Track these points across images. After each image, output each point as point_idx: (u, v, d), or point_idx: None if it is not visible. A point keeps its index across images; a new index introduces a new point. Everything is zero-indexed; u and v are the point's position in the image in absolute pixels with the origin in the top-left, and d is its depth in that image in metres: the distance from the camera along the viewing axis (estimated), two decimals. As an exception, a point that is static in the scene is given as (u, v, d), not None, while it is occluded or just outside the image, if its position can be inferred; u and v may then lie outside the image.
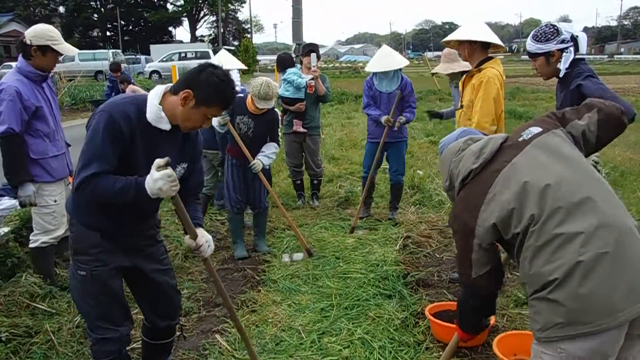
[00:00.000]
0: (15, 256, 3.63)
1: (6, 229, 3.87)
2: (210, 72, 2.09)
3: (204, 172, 2.70)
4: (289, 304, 3.59)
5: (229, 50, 12.64)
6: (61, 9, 50.32)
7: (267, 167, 4.48)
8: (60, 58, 3.56)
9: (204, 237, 2.22)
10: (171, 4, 53.41)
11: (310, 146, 5.83)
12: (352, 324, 3.29)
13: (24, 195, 3.30)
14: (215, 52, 29.31)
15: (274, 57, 15.29)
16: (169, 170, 1.94)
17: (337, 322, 3.32)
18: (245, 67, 6.44)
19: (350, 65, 42.06)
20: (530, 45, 2.93)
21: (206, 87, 2.07)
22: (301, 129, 5.70)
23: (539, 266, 1.69)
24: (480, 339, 2.98)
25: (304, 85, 5.54)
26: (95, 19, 51.26)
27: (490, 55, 3.52)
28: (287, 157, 6.00)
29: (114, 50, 30.96)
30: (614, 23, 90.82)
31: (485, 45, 3.48)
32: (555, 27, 2.85)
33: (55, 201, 3.47)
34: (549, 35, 2.85)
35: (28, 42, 3.27)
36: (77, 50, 3.76)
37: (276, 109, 4.55)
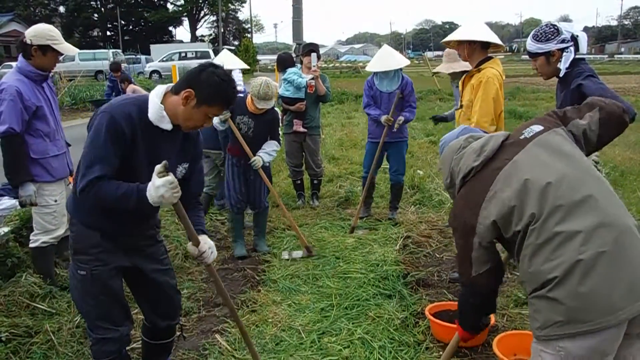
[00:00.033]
0: (15, 256, 3.63)
1: (6, 229, 3.87)
2: (211, 72, 2.09)
3: (204, 172, 2.70)
4: (289, 304, 3.60)
5: (229, 50, 12.63)
6: (61, 9, 50.39)
7: (267, 164, 4.48)
8: (61, 58, 3.56)
9: (207, 244, 2.22)
10: (171, 3, 53.49)
11: (311, 146, 5.83)
12: (352, 323, 3.29)
13: (24, 195, 3.30)
14: (215, 51, 29.40)
15: (274, 57, 15.29)
16: (170, 177, 1.94)
17: (337, 322, 3.32)
18: (248, 67, 6.44)
19: (351, 65, 42.03)
20: (531, 45, 2.93)
21: (207, 86, 2.07)
22: (301, 129, 5.70)
23: (538, 264, 1.70)
24: (480, 339, 2.98)
25: (304, 85, 5.54)
26: (96, 18, 51.27)
27: (490, 55, 3.52)
28: (287, 157, 6.00)
29: (114, 50, 30.95)
30: (614, 23, 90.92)
31: (485, 45, 3.48)
32: (556, 27, 2.85)
33: (55, 201, 3.47)
34: (549, 35, 2.85)
35: (28, 41, 3.27)
36: (77, 50, 3.76)
37: (276, 109, 4.55)
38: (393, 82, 5.04)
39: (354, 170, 7.33)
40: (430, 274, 4.03)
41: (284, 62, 5.85)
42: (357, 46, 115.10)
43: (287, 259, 4.43)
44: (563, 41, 2.83)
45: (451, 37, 3.53)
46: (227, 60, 5.53)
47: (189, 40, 50.16)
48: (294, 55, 8.54)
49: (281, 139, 4.65)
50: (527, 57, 3.32)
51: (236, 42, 50.06)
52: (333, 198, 6.19)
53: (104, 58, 26.57)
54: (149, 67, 29.44)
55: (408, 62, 5.39)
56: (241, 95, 4.25)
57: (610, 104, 1.94)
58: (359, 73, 30.67)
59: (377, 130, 5.10)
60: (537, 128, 1.89)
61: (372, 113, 5.10)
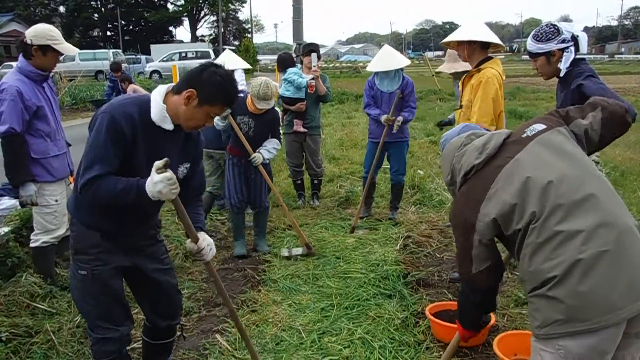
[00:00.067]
0: (15, 256, 3.63)
1: (6, 229, 3.87)
2: (213, 71, 2.09)
3: (205, 172, 2.70)
4: (289, 304, 3.60)
5: (231, 50, 12.63)
6: (61, 9, 50.37)
7: (267, 161, 4.48)
8: (61, 58, 3.56)
9: (205, 241, 2.21)
10: (172, 3, 53.48)
11: (311, 146, 5.83)
12: (353, 323, 3.29)
13: (25, 195, 3.31)
14: (215, 52, 29.41)
15: (275, 57, 15.28)
16: (169, 173, 1.94)
17: (337, 322, 3.32)
18: (250, 67, 6.46)
19: (351, 65, 42.03)
20: (531, 45, 2.93)
21: (209, 85, 2.07)
22: (301, 129, 5.70)
23: (538, 263, 1.70)
24: (480, 339, 2.98)
25: (305, 85, 5.54)
26: (96, 18, 51.26)
27: (490, 55, 3.52)
28: (287, 156, 6.00)
29: (114, 50, 30.94)
30: (614, 23, 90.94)
31: (485, 45, 3.48)
32: (556, 27, 2.85)
33: (56, 201, 3.48)
34: (550, 35, 2.85)
35: (29, 41, 3.27)
36: (77, 50, 3.76)
37: (277, 108, 4.55)
38: (394, 82, 5.04)
39: (354, 170, 7.33)
40: (430, 274, 4.03)
41: (284, 62, 5.85)
42: (357, 46, 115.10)
43: (287, 256, 4.43)
44: (563, 41, 2.83)
45: (451, 37, 3.53)
46: (230, 60, 5.54)
47: (189, 40, 50.15)
48: (294, 55, 8.54)
49: (281, 138, 4.65)
50: (527, 57, 3.32)
51: (236, 42, 50.07)
52: (333, 198, 6.19)
53: (104, 58, 26.58)
54: (149, 67, 29.44)
55: (409, 62, 5.38)
56: (241, 95, 4.25)
57: (613, 104, 1.94)
58: (359, 73, 30.68)
59: (378, 130, 5.10)
60: (540, 127, 1.89)
61: (372, 113, 5.10)
